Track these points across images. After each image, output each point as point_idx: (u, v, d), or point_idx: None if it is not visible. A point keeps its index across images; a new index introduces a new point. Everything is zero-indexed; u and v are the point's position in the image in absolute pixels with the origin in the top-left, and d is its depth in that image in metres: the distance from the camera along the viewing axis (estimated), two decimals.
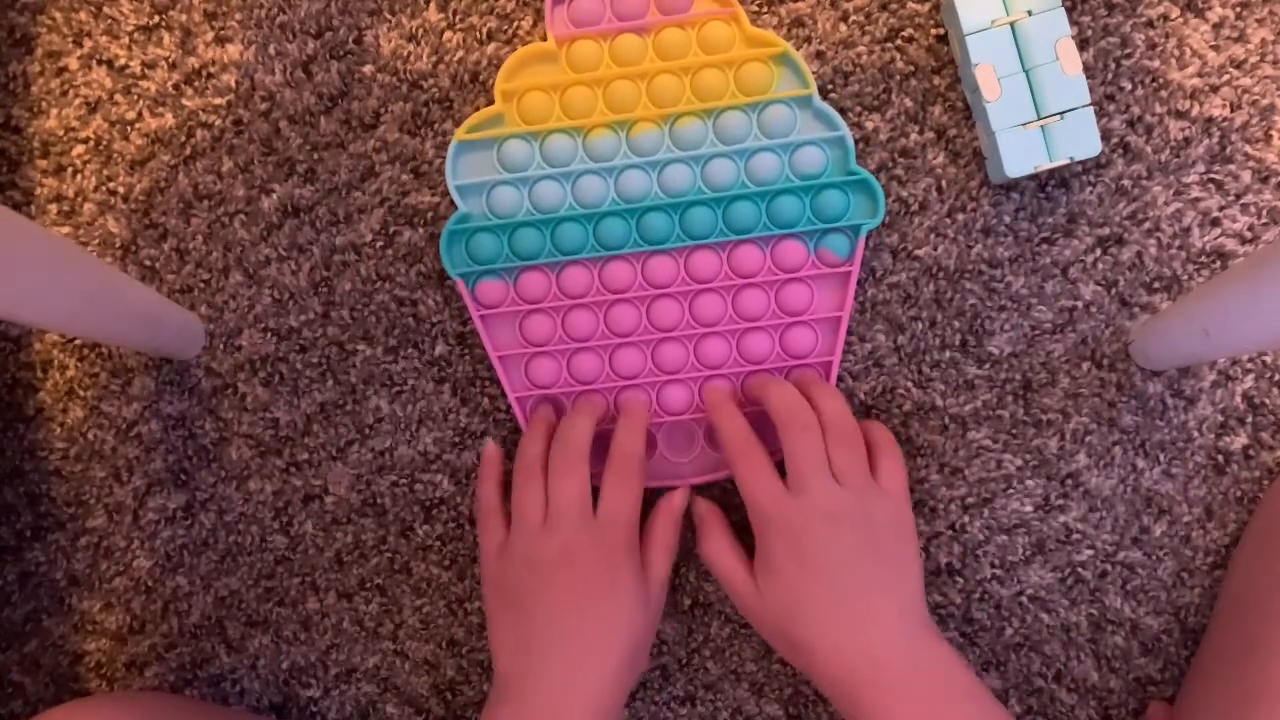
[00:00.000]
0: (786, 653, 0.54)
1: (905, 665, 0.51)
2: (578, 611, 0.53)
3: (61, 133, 0.63)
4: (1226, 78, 0.60)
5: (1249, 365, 0.59)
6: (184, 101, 0.62)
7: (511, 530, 0.56)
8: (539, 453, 0.56)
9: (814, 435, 0.53)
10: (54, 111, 0.63)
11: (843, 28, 0.61)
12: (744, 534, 0.56)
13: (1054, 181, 0.60)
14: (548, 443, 0.57)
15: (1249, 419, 0.59)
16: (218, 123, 0.62)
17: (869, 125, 0.61)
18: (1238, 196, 0.60)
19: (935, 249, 0.60)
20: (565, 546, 0.54)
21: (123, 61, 0.63)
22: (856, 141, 0.60)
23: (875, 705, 0.50)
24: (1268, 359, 0.59)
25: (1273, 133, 0.60)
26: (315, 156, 0.62)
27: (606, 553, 0.54)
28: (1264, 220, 0.60)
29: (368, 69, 0.62)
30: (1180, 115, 0.60)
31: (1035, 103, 0.58)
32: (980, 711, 0.51)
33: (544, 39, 0.61)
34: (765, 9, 0.61)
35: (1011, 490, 0.60)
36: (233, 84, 0.62)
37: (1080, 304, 0.60)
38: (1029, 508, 0.60)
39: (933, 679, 0.51)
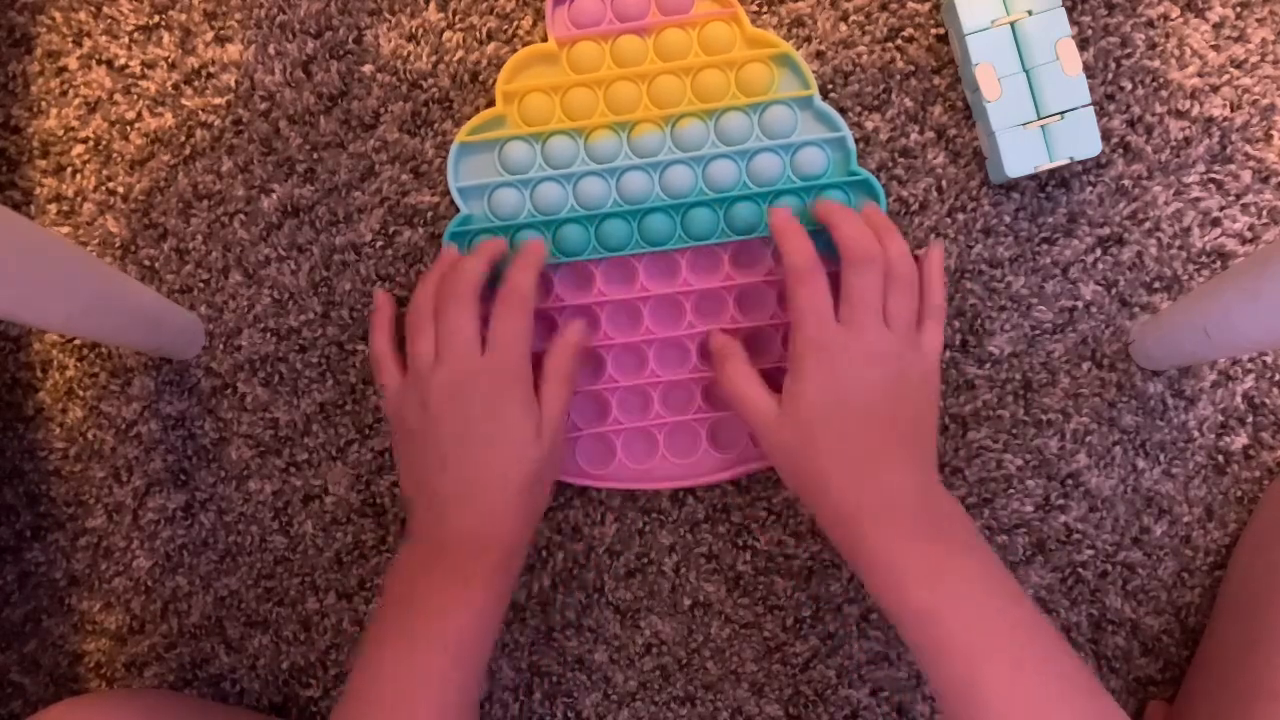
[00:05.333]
0: (796, 483, 0.54)
1: (913, 507, 0.51)
2: (464, 444, 0.53)
3: (61, 133, 0.63)
4: (1226, 78, 0.60)
5: (1249, 365, 0.59)
6: (184, 101, 0.62)
7: (407, 372, 0.55)
8: (429, 296, 0.56)
9: (877, 272, 0.53)
10: (54, 111, 0.63)
11: (843, 28, 0.61)
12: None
13: (1054, 181, 0.60)
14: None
15: (1249, 419, 0.59)
16: (217, 123, 0.62)
17: (869, 125, 0.61)
18: (1238, 196, 0.60)
19: None
20: (453, 380, 0.53)
21: (122, 61, 0.63)
22: (856, 141, 0.60)
23: (877, 541, 0.50)
24: (1268, 359, 0.59)
25: (1273, 133, 0.60)
26: (315, 156, 0.62)
27: (494, 384, 0.53)
28: (1264, 220, 0.60)
29: (368, 69, 0.62)
30: (1180, 115, 0.60)
31: (1035, 103, 0.58)
32: (980, 560, 0.50)
33: (544, 39, 0.61)
34: (765, 9, 0.61)
35: (1011, 490, 0.60)
36: (232, 84, 0.62)
37: (1080, 304, 0.60)
38: (1029, 508, 0.60)
39: (938, 523, 0.51)
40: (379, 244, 0.62)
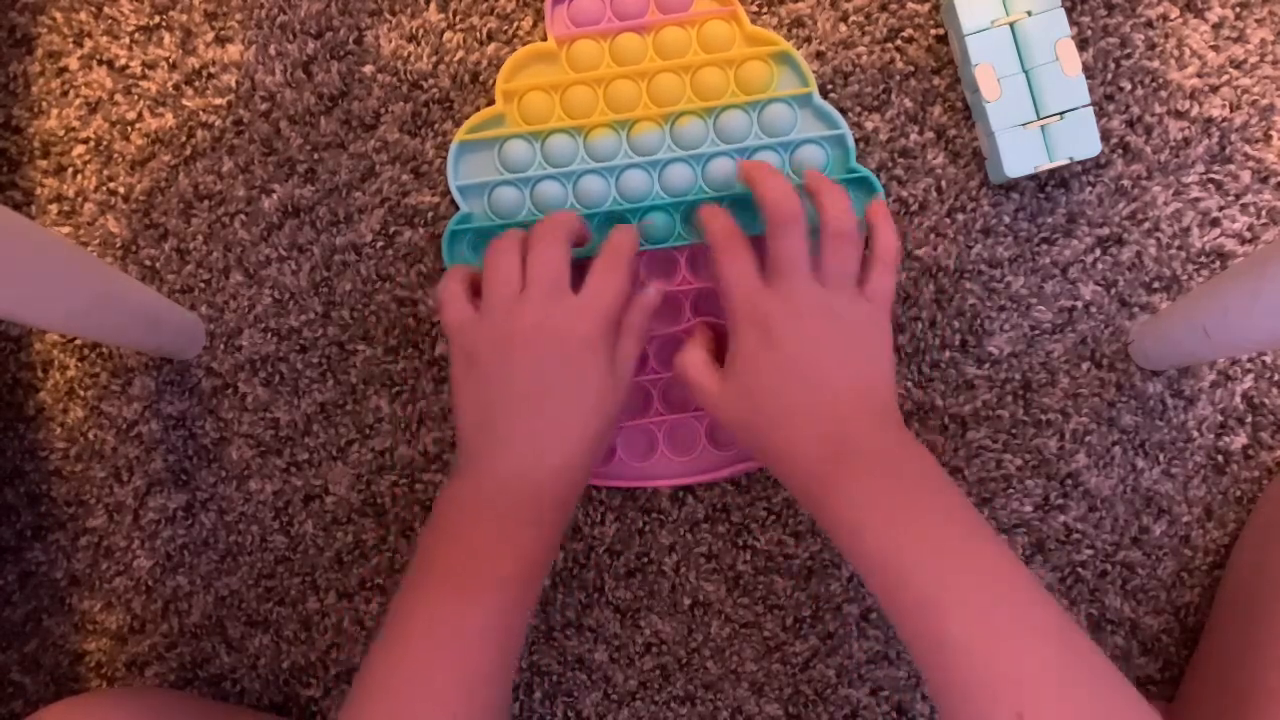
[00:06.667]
0: (756, 454, 0.53)
1: (869, 456, 0.49)
2: (546, 386, 0.51)
3: (62, 133, 0.63)
4: (1226, 78, 0.60)
5: (1249, 365, 0.59)
6: (184, 101, 0.62)
7: (484, 301, 0.53)
8: (519, 235, 0.55)
9: (796, 229, 0.52)
10: (54, 111, 0.63)
11: (843, 28, 0.61)
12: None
13: (1054, 181, 0.60)
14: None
15: (1248, 419, 0.59)
16: (218, 123, 0.62)
17: (869, 125, 0.61)
18: (1237, 196, 0.60)
19: (935, 249, 0.60)
20: (539, 319, 0.52)
21: (123, 62, 0.63)
22: (856, 142, 0.60)
23: (833, 488, 0.48)
24: (1268, 359, 0.59)
25: (1272, 133, 0.60)
26: (315, 156, 0.62)
27: (581, 331, 0.52)
28: (1264, 220, 0.60)
29: (368, 69, 0.62)
30: (1180, 115, 0.60)
31: (1035, 103, 0.58)
32: (945, 503, 0.49)
33: (544, 39, 0.61)
34: (765, 9, 0.61)
35: (1011, 490, 0.60)
36: (233, 84, 0.62)
37: (1080, 304, 0.60)
38: (1029, 508, 0.60)
39: (897, 471, 0.49)
40: (379, 244, 0.62)
